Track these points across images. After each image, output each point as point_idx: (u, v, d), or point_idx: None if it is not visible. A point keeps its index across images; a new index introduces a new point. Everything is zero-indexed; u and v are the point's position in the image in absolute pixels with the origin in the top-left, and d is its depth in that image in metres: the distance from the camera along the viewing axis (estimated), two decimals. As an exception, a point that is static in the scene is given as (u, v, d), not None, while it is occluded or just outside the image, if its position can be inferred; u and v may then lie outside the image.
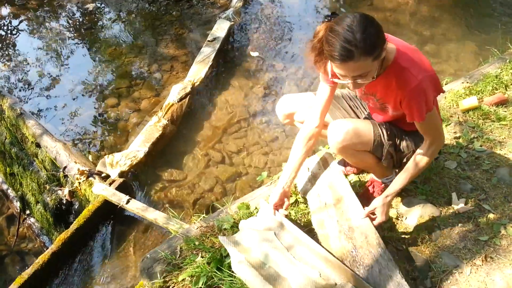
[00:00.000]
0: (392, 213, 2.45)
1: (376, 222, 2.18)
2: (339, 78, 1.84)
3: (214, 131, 4.00)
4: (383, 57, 1.80)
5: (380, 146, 2.19)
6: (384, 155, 2.22)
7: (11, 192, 4.72)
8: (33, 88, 4.98)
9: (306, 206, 2.54)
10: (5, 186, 4.80)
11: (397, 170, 2.44)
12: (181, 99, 3.99)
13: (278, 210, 2.29)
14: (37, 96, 4.84)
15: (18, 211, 4.53)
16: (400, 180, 2.14)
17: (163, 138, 3.71)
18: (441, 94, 1.97)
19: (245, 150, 3.84)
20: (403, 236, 2.35)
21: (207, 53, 4.59)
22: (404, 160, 2.26)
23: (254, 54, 4.92)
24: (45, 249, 4.16)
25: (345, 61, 1.69)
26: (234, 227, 2.47)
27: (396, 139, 2.22)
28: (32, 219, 4.42)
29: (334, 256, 2.14)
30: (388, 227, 2.38)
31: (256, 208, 2.59)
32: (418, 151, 2.09)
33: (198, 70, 4.35)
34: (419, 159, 2.09)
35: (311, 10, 5.85)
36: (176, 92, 4.03)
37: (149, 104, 4.38)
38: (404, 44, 1.93)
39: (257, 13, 5.62)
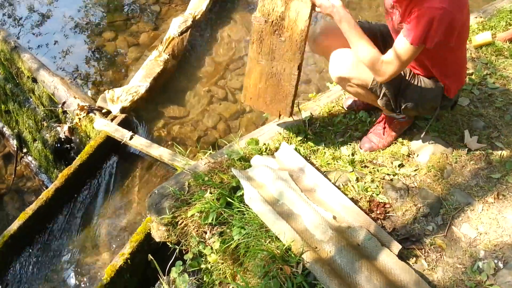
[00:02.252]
0: (404, 150, 2.40)
1: None
2: None
3: (217, 67, 3.87)
4: None
5: (378, 87, 2.12)
6: (380, 96, 2.16)
7: (6, 130, 4.64)
8: (22, 25, 4.76)
9: (324, 153, 2.49)
10: (0, 124, 4.71)
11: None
12: (182, 33, 3.82)
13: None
14: (28, 33, 4.63)
15: (15, 149, 4.47)
16: (353, 30, 1.98)
17: (165, 73, 3.59)
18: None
19: (248, 87, 3.73)
20: (414, 173, 2.32)
21: (208, -16, 4.36)
22: (403, 106, 2.17)
23: None
24: (43, 187, 4.15)
25: None
26: (243, 161, 2.43)
27: (401, 84, 2.12)
28: (29, 158, 4.37)
29: (353, 202, 2.14)
30: (399, 164, 2.35)
31: (264, 144, 2.53)
32: (384, 55, 1.96)
33: (199, 2, 4.15)
34: (372, 55, 1.95)
35: None
36: (176, 26, 3.86)
37: (148, 38, 4.21)
38: None
39: None
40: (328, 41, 2.30)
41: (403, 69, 1.97)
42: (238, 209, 2.18)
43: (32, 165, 4.37)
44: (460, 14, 1.81)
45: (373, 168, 2.35)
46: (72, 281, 2.69)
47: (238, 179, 2.25)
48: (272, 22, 2.25)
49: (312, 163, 2.40)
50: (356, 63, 2.08)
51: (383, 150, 2.44)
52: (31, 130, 4.11)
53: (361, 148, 2.48)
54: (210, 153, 2.61)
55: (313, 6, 2.08)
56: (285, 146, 2.44)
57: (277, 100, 2.38)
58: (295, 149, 2.45)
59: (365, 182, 2.27)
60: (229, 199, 2.22)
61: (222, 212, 2.19)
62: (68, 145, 3.64)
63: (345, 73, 2.11)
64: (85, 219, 2.97)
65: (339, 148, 2.49)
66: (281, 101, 2.37)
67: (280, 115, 2.45)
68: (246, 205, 2.16)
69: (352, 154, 2.44)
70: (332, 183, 2.26)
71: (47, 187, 4.14)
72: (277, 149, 2.49)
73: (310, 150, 2.50)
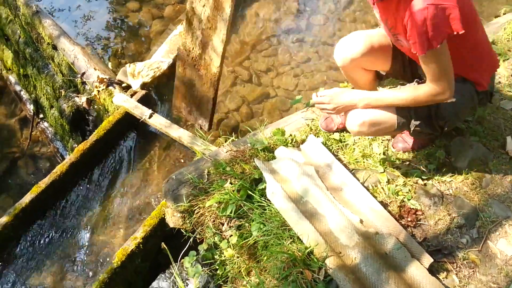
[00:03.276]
0: (440, 153, 2.24)
1: (319, 104, 1.98)
2: None
3: (242, 46, 3.71)
4: None
5: (406, 126, 1.94)
6: (411, 131, 1.98)
7: (24, 94, 4.59)
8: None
9: (353, 149, 2.34)
10: (18, 88, 4.65)
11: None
12: (209, 8, 3.65)
13: None
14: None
15: (32, 114, 4.41)
16: (384, 95, 1.89)
17: (189, 50, 3.44)
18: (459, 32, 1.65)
19: (274, 70, 3.58)
20: (450, 179, 2.16)
21: (238, -42, 4.18)
22: (445, 128, 1.98)
23: None
24: (58, 154, 4.11)
25: None
26: (267, 151, 2.30)
27: (431, 110, 1.91)
28: (45, 124, 4.31)
29: (382, 206, 2.00)
30: (434, 168, 2.20)
31: (291, 135, 2.40)
32: (419, 86, 1.84)
33: (228, -23, 3.97)
34: (410, 92, 1.83)
35: None
36: (203, 0, 3.68)
37: (173, 12, 4.05)
38: None
39: None
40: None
41: (450, 72, 1.76)
42: (259, 203, 2.06)
43: (48, 132, 4.31)
44: (450, 3, 1.62)
45: (406, 170, 2.20)
46: (83, 259, 2.63)
47: (261, 171, 2.13)
48: (193, 57, 2.66)
49: (339, 160, 2.26)
50: (372, 121, 1.90)
51: (417, 151, 2.28)
52: (49, 96, 4.03)
53: (393, 148, 2.32)
54: (233, 140, 2.48)
55: (224, 57, 2.54)
56: (312, 139, 2.30)
57: (198, 116, 2.86)
58: (323, 143, 2.30)
59: (396, 185, 2.13)
60: (250, 192, 2.10)
61: (242, 205, 2.08)
62: (85, 117, 3.55)
63: (364, 131, 1.95)
64: (99, 196, 2.89)
65: (370, 145, 2.34)
66: (201, 118, 2.84)
67: (201, 127, 2.88)
68: (268, 199, 2.04)
69: (384, 153, 2.29)
70: (361, 183, 2.12)
71: (61, 155, 4.11)
72: (303, 141, 2.36)
73: (338, 145, 2.36)
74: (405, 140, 2.29)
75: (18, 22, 4.12)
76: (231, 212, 2.07)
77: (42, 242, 2.71)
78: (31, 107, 4.48)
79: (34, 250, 2.67)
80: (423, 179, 2.15)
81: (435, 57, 1.69)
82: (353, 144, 2.36)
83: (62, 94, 3.72)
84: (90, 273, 2.53)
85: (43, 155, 4.32)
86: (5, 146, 4.40)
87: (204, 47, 2.54)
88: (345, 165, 2.22)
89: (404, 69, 2.13)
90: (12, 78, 4.73)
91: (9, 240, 2.64)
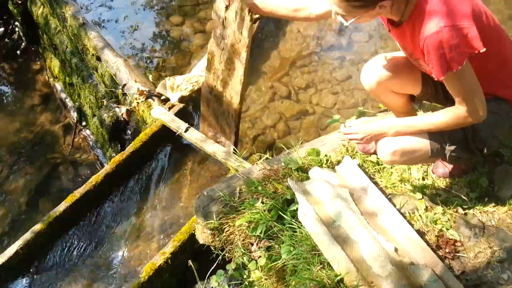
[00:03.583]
0: (483, 181, 2.13)
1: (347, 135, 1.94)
2: None
3: (282, 62, 3.69)
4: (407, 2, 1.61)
5: (441, 152, 1.85)
6: (448, 159, 1.88)
7: (69, 102, 4.74)
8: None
9: (391, 173, 2.26)
10: (63, 95, 4.81)
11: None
12: (250, 24, 3.66)
13: None
14: (100, 6, 4.63)
15: (75, 121, 4.54)
16: (414, 122, 1.82)
17: (228, 64, 3.46)
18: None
19: (313, 87, 3.53)
20: (493, 210, 2.05)
21: (282, -26, 4.18)
22: (485, 150, 1.86)
23: None
24: (98, 162, 4.20)
25: None
26: (300, 171, 2.26)
27: (467, 133, 1.82)
28: (87, 131, 4.43)
29: (418, 235, 1.91)
30: (476, 196, 2.09)
31: (326, 155, 2.34)
32: (449, 108, 1.74)
33: (270, -6, 3.97)
34: (440, 115, 1.75)
35: None
36: (245, 15, 3.70)
37: (215, 26, 4.09)
38: None
39: None
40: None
41: (478, 92, 1.68)
42: (290, 225, 2.01)
43: (89, 139, 4.43)
44: (464, 19, 1.57)
45: (446, 197, 2.10)
46: (112, 271, 2.64)
47: (293, 191, 2.08)
48: (215, 94, 2.81)
49: (376, 183, 2.18)
50: (404, 149, 1.83)
51: (458, 178, 2.18)
52: (92, 105, 4.13)
53: (433, 173, 2.23)
54: (267, 157, 2.45)
55: (243, 96, 2.68)
56: (348, 161, 2.23)
57: (225, 135, 2.93)
58: (359, 165, 2.24)
59: (434, 213, 2.03)
60: (281, 213, 2.06)
61: (272, 226, 2.04)
62: (124, 127, 3.61)
63: (396, 160, 1.89)
64: (132, 208, 2.91)
65: (408, 170, 2.25)
66: (227, 137, 2.91)
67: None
68: (299, 221, 1.99)
69: (423, 178, 2.21)
70: (397, 209, 2.04)
71: (101, 163, 4.20)
72: (339, 162, 2.30)
73: (375, 168, 2.28)
74: (446, 165, 2.20)
75: (65, 32, 4.26)
76: (261, 232, 2.04)
77: (73, 251, 2.74)
78: (74, 114, 4.62)
79: (65, 259, 2.71)
80: (463, 208, 2.05)
81: (457, 78, 1.64)
82: (391, 168, 2.28)
83: (104, 104, 3.81)
84: (119, 285, 2.54)
85: (83, 162, 4.43)
86: (48, 151, 4.55)
87: (225, 86, 2.69)
88: (381, 189, 2.14)
89: (436, 92, 2.05)
90: (59, 85, 4.91)
91: (42, 248, 2.70)
